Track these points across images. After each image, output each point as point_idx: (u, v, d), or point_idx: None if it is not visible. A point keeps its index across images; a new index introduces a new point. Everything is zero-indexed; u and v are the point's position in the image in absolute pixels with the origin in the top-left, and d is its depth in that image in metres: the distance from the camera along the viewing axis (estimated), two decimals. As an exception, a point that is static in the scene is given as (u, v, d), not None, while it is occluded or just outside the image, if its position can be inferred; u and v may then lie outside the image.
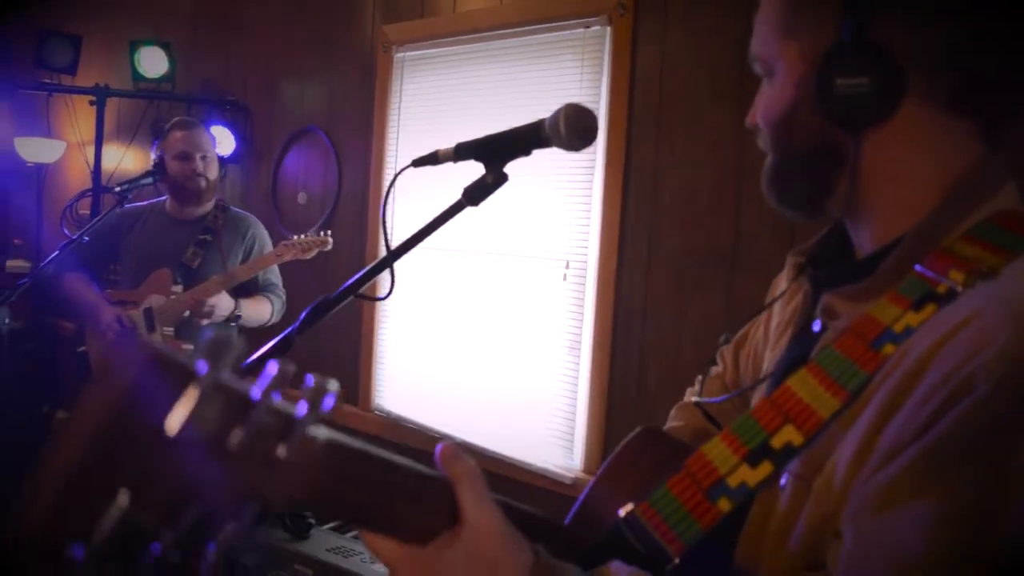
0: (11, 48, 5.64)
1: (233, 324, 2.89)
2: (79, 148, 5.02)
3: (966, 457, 0.66)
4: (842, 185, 0.85)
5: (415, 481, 0.66)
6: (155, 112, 4.59)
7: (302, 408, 0.54)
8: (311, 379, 0.54)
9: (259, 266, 2.87)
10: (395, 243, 1.13)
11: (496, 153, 1.10)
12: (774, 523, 0.81)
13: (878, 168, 0.83)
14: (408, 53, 3.53)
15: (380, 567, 1.99)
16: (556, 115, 1.04)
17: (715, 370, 1.26)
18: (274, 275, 3.06)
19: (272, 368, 0.53)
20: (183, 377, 0.49)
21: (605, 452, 2.84)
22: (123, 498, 0.48)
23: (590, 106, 2.87)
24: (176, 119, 3.06)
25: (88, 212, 4.41)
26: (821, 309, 0.86)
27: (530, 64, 3.11)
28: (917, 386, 0.69)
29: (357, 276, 1.13)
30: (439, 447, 0.69)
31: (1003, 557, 0.65)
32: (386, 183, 3.60)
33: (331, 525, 2.29)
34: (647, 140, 2.77)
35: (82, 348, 4.64)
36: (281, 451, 0.53)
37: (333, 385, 0.55)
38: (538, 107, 3.04)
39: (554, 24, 3.00)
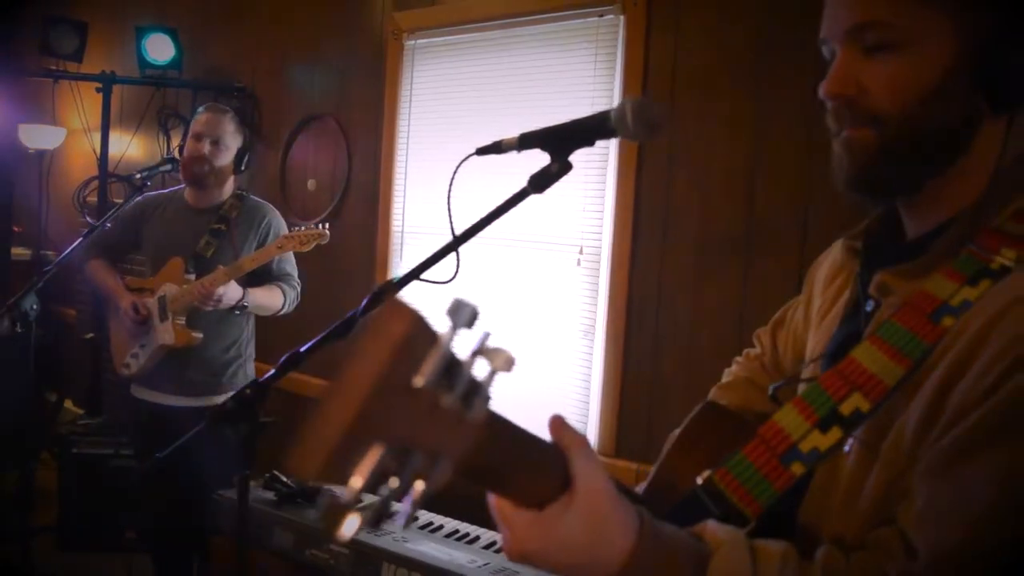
0: (17, 35, 5.63)
1: (238, 312, 2.91)
2: (85, 135, 5.02)
3: None
4: (954, 168, 0.87)
5: (538, 449, 0.70)
6: (161, 99, 4.60)
7: (484, 374, 0.57)
8: (485, 342, 0.57)
9: (263, 257, 2.89)
10: (459, 229, 1.17)
11: (561, 143, 1.13)
12: (841, 486, 0.87)
13: (983, 152, 0.87)
14: (419, 41, 3.56)
15: (411, 546, 2.05)
16: (622, 107, 1.08)
17: (753, 352, 1.31)
18: (289, 265, 3.07)
19: (481, 336, 0.56)
20: (433, 338, 0.53)
21: (619, 437, 2.89)
22: (377, 448, 0.51)
23: (603, 94, 2.92)
24: (209, 103, 3.07)
25: (95, 199, 4.43)
26: (875, 286, 0.91)
27: (543, 53, 3.14)
28: (982, 352, 0.75)
29: (421, 261, 1.16)
30: (550, 418, 0.73)
31: None
32: (396, 170, 3.63)
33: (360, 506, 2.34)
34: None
35: (90, 335, 4.67)
36: (469, 414, 0.56)
37: (514, 356, 0.58)
38: (551, 96, 3.08)
39: (567, 13, 3.03)
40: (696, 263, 2.75)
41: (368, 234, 3.71)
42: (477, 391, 0.57)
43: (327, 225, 2.86)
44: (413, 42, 3.57)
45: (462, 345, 0.56)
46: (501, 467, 0.66)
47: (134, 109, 4.79)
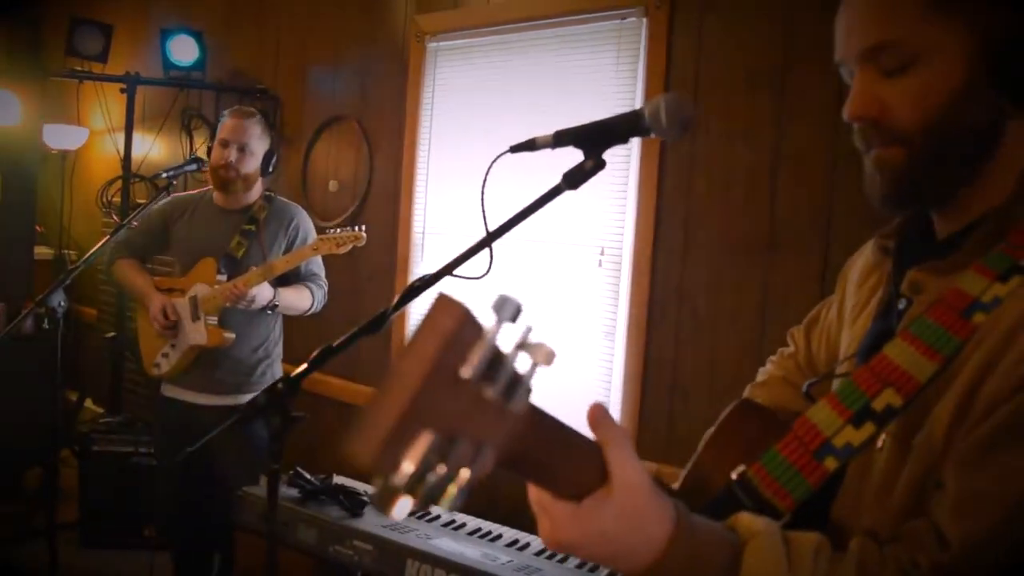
0: (42, 36, 5.69)
1: (270, 312, 2.94)
2: (108, 136, 5.07)
3: None
4: (985, 171, 0.87)
5: (577, 442, 0.71)
6: (185, 100, 4.64)
7: (525, 367, 0.60)
8: (528, 336, 0.59)
9: (297, 259, 2.91)
10: (492, 225, 1.18)
11: (595, 140, 1.14)
12: (874, 481, 0.88)
13: (1011, 151, 0.87)
14: (441, 43, 3.58)
15: (435, 542, 2.06)
16: (656, 105, 1.09)
17: (787, 351, 1.31)
18: (317, 265, 3.10)
19: (524, 330, 0.59)
20: (479, 331, 0.55)
21: (640, 437, 2.90)
22: (427, 435, 0.54)
23: (625, 97, 2.93)
24: (235, 107, 3.10)
25: (119, 199, 4.47)
26: (908, 284, 0.92)
27: (565, 55, 3.15)
28: (1012, 347, 0.77)
29: (454, 257, 1.18)
30: (591, 407, 0.75)
31: None
32: (418, 172, 3.65)
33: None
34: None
35: (111, 334, 4.71)
36: (511, 405, 0.59)
37: (555, 351, 0.60)
38: (572, 99, 3.09)
39: (589, 15, 3.04)
40: (718, 265, 2.75)
41: (389, 235, 3.73)
42: (519, 383, 0.59)
43: (364, 227, 2.87)
44: (435, 44, 3.60)
45: (505, 339, 0.58)
46: (541, 458, 0.68)
47: (158, 110, 4.84)
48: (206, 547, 3.06)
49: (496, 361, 0.57)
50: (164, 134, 4.85)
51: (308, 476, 2.39)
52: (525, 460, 0.66)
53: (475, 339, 0.55)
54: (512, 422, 0.59)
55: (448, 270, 1.19)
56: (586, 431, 0.74)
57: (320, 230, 2.97)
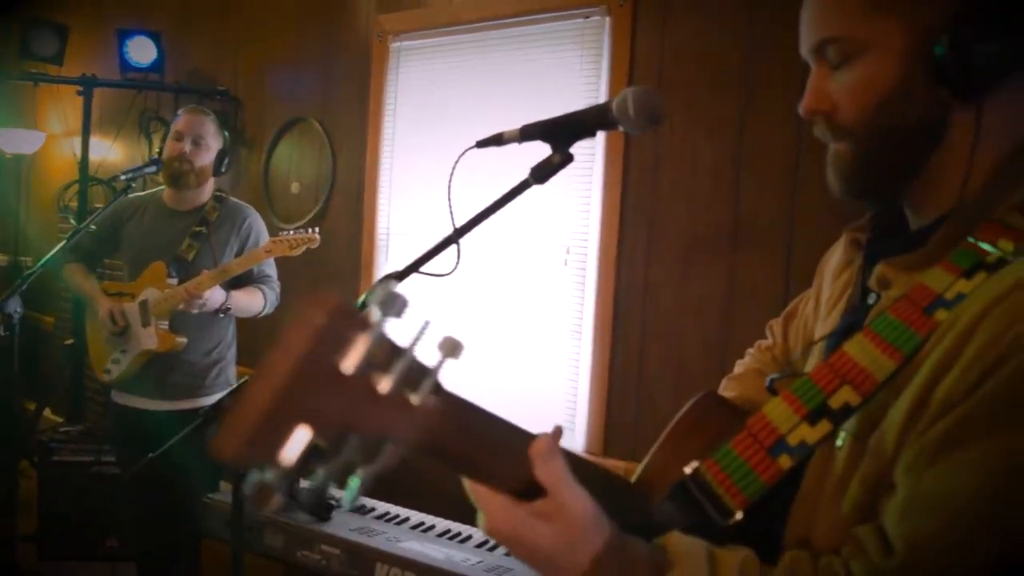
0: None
1: (222, 315, 2.90)
2: (66, 139, 4.97)
3: (1014, 411, 0.72)
4: (932, 163, 0.87)
5: (506, 434, 0.73)
6: (143, 103, 4.57)
7: (432, 361, 0.60)
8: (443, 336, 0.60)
9: (250, 261, 2.88)
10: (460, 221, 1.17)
11: (562, 134, 1.13)
12: (831, 481, 0.86)
13: (961, 142, 0.85)
14: (404, 43, 3.56)
15: (407, 544, 2.04)
16: (624, 97, 1.08)
17: (765, 344, 1.31)
18: (269, 267, 3.07)
19: (422, 324, 0.59)
20: (360, 325, 0.55)
21: (607, 434, 2.90)
22: (303, 430, 0.54)
23: (589, 95, 2.93)
24: (189, 105, 3.08)
25: (76, 203, 4.39)
26: (875, 279, 0.90)
27: (528, 54, 3.15)
28: (969, 347, 0.75)
29: (421, 254, 1.16)
30: (533, 444, 0.76)
31: None
32: (382, 172, 3.62)
33: (352, 508, 2.32)
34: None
35: (69, 341, 4.62)
36: (414, 399, 0.59)
37: (462, 343, 0.61)
38: (537, 98, 3.09)
39: (553, 15, 3.04)
40: (682, 262, 2.77)
41: (353, 236, 3.70)
42: (422, 377, 0.59)
43: (316, 229, 2.85)
44: (398, 44, 3.57)
45: (399, 334, 0.58)
46: (465, 451, 0.69)
47: (115, 113, 4.75)
48: (171, 556, 3.01)
49: (390, 355, 0.57)
50: (122, 137, 4.76)
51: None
52: (447, 453, 0.66)
53: (354, 334, 0.55)
54: (420, 415, 0.60)
55: (415, 267, 1.17)
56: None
57: (277, 232, 2.94)
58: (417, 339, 0.59)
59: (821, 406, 0.83)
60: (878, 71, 0.85)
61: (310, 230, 2.84)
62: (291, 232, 2.84)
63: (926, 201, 0.90)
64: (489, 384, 3.19)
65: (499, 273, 3.18)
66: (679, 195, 2.77)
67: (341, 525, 2.13)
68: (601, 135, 2.90)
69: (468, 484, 0.75)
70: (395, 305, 0.57)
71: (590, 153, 2.94)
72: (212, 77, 4.33)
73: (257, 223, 3.08)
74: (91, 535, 3.75)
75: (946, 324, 0.78)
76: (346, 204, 3.77)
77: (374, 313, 0.56)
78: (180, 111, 3.02)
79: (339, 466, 0.56)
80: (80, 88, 4.33)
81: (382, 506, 2.34)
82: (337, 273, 3.73)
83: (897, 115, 0.86)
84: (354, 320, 0.55)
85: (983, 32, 0.80)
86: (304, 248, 2.83)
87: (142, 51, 4.29)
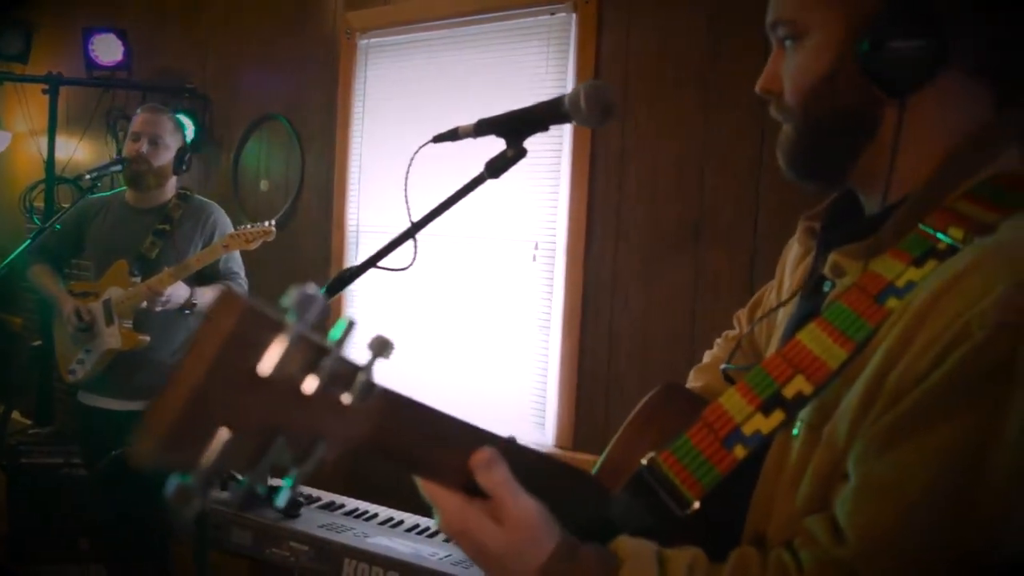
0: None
1: (188, 312, 2.89)
2: (31, 138, 4.92)
3: (964, 398, 0.72)
4: (868, 151, 0.89)
5: (460, 431, 0.73)
6: (110, 101, 4.52)
7: (364, 360, 0.60)
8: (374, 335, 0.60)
9: (208, 257, 2.86)
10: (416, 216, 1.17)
11: (516, 129, 1.14)
12: (787, 472, 0.87)
13: (903, 132, 0.86)
14: (371, 40, 3.55)
15: (375, 540, 2.05)
16: (576, 92, 1.09)
17: (732, 333, 1.32)
18: (236, 263, 3.06)
19: (347, 323, 0.59)
20: (274, 327, 0.55)
21: (576, 428, 2.92)
22: (223, 433, 0.54)
23: (555, 91, 2.94)
24: (147, 104, 3.06)
25: (42, 203, 4.34)
26: (829, 267, 0.91)
27: (495, 51, 3.16)
28: (918, 335, 0.75)
29: (379, 248, 1.17)
30: (473, 457, 0.76)
31: (998, 493, 0.71)
32: (351, 169, 3.62)
33: (320, 504, 2.33)
34: (613, 121, 2.85)
35: (37, 343, 4.57)
36: (346, 397, 0.59)
37: (392, 341, 0.61)
38: (504, 94, 3.10)
39: (519, 11, 3.05)
40: (649, 256, 2.79)
41: (323, 233, 3.69)
42: (355, 376, 0.59)
43: (273, 223, 2.84)
44: (366, 41, 3.57)
45: (319, 336, 0.58)
46: (409, 448, 0.69)
47: (82, 111, 4.69)
48: (142, 558, 2.99)
49: (313, 356, 0.57)
50: (89, 136, 4.71)
51: (241, 477, 2.35)
52: (387, 450, 0.67)
53: (269, 336, 0.54)
54: (352, 414, 0.60)
55: (372, 262, 1.18)
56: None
57: (240, 227, 2.92)
58: (343, 340, 0.59)
59: (775, 396, 0.83)
60: (814, 58, 0.88)
61: (267, 223, 2.83)
62: (248, 226, 2.83)
63: (871, 189, 0.92)
64: (459, 380, 3.20)
65: (468, 269, 3.19)
66: (645, 190, 2.79)
67: (309, 522, 2.14)
68: (567, 131, 2.93)
69: (418, 480, 0.75)
70: (310, 307, 0.56)
71: (557, 149, 2.96)
72: (180, 75, 4.29)
73: (222, 220, 3.06)
74: (63, 537, 3.72)
75: (897, 312, 0.78)
76: (316, 201, 3.76)
77: (289, 315, 0.55)
78: (138, 110, 3.01)
79: (267, 467, 0.57)
80: (46, 87, 4.28)
81: (351, 502, 2.34)
82: (307, 270, 3.73)
83: (826, 102, 0.88)
84: (265, 322, 0.54)
85: (906, 31, 0.82)
86: (260, 241, 2.82)
87: (108, 49, 4.24)
